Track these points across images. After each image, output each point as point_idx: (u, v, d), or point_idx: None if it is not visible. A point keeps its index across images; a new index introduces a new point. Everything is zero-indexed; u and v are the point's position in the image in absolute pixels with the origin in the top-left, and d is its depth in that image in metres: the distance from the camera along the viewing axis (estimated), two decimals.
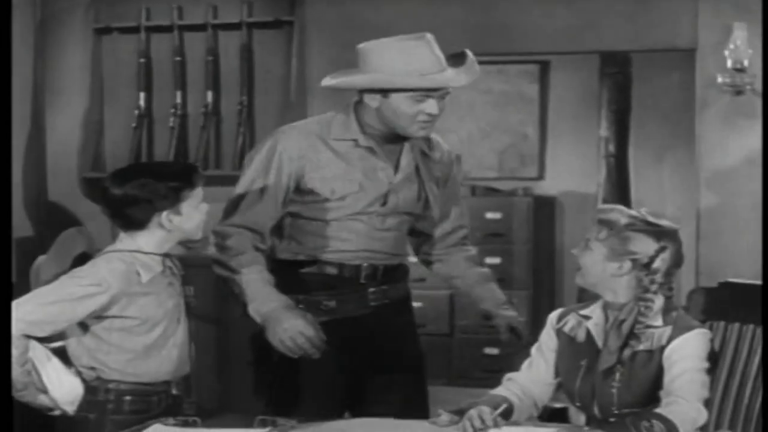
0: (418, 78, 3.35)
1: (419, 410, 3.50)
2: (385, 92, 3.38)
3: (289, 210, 3.46)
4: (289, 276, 3.45)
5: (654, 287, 3.10)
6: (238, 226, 3.40)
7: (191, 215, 3.15)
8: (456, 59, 3.46)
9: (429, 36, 3.40)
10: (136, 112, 5.67)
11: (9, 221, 3.06)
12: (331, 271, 3.47)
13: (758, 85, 5.10)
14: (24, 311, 3.01)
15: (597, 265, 3.14)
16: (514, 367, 3.27)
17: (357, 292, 3.49)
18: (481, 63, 3.42)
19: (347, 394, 3.46)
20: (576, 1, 5.33)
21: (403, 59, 3.35)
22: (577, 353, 3.19)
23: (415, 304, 3.75)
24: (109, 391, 3.12)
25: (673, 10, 5.26)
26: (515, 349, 3.66)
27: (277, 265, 3.47)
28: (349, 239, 3.46)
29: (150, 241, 3.14)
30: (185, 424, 3.02)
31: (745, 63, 5.08)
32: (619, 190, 7.39)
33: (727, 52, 5.10)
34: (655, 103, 7.52)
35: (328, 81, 3.48)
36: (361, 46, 3.43)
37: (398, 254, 3.57)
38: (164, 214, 3.11)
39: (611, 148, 7.46)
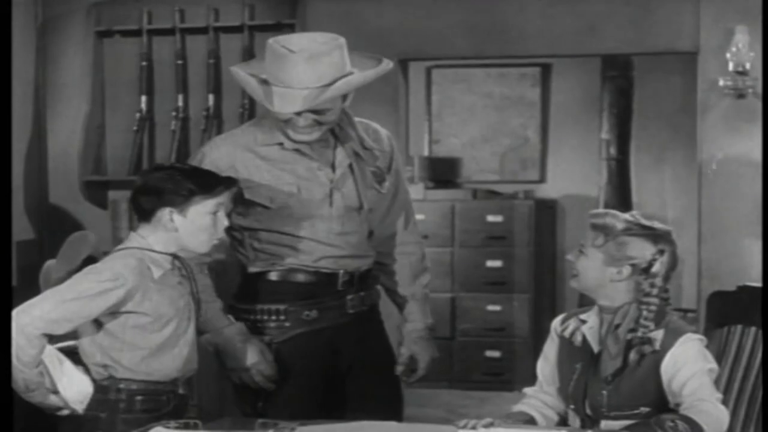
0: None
1: (396, 415, 3.51)
2: None
3: (241, 224, 3.44)
4: (265, 286, 3.45)
5: (655, 291, 3.09)
6: None
7: (197, 222, 3.14)
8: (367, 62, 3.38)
9: (342, 40, 3.31)
10: (138, 115, 5.67)
11: (9, 224, 3.05)
12: (309, 279, 3.44)
13: (760, 89, 5.09)
14: (43, 309, 3.00)
15: (595, 271, 3.13)
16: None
17: (336, 300, 3.48)
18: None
19: (326, 401, 3.43)
20: (577, 4, 5.33)
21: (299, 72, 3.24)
22: (573, 356, 3.19)
23: None
24: (121, 390, 3.12)
25: (674, 13, 5.25)
26: (408, 379, 3.63)
27: (252, 277, 3.46)
28: (311, 246, 3.42)
29: (158, 240, 3.14)
30: (186, 427, 3.01)
31: (747, 66, 5.08)
32: (621, 193, 7.39)
33: (728, 55, 5.10)
34: (657, 106, 7.52)
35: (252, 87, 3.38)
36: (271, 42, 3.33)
37: (363, 255, 3.52)
38: (167, 210, 3.11)
39: (612, 151, 7.46)
